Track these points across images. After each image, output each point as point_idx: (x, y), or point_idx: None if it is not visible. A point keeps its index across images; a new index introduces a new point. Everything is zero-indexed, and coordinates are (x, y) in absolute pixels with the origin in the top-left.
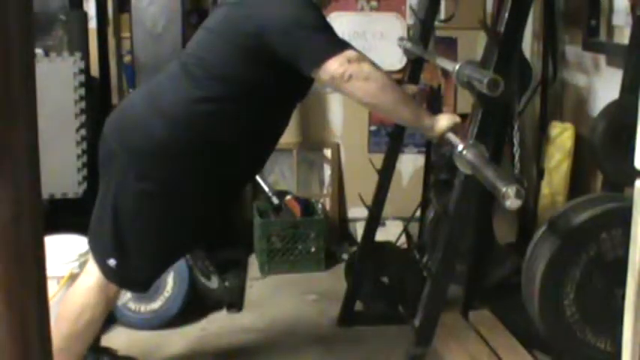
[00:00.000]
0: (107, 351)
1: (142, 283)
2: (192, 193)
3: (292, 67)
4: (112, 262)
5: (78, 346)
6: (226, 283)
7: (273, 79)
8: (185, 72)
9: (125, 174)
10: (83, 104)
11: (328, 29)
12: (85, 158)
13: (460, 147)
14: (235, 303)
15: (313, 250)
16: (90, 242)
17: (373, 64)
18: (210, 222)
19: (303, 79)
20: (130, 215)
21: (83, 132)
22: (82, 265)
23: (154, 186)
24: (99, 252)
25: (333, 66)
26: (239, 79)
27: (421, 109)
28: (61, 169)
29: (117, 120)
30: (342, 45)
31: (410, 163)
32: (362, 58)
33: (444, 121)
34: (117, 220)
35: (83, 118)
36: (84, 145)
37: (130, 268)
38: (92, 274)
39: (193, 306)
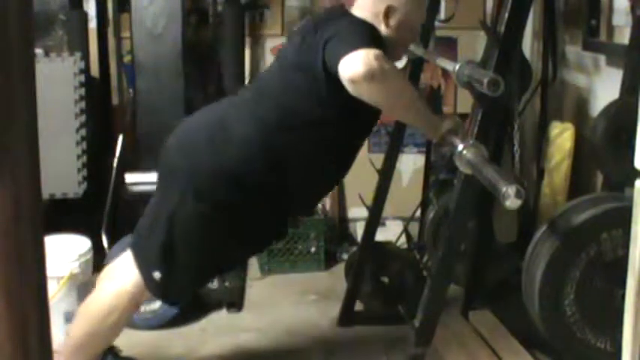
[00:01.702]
0: (112, 350)
1: (183, 298)
2: (251, 218)
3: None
4: (156, 274)
5: (97, 345)
6: (226, 283)
7: (342, 106)
8: (259, 101)
9: (186, 193)
10: (83, 104)
11: (364, 36)
12: (85, 158)
13: (460, 147)
14: (235, 303)
15: (313, 250)
16: (135, 249)
17: (392, 65)
18: (265, 243)
19: (369, 106)
20: (185, 233)
21: (83, 132)
22: (82, 265)
23: (213, 208)
24: (144, 261)
25: (356, 62)
26: (311, 109)
27: (429, 113)
28: (61, 169)
29: (184, 140)
30: (367, 44)
31: (410, 163)
32: (383, 57)
33: (445, 123)
34: (170, 235)
35: (83, 118)
36: (84, 145)
37: (174, 282)
38: (128, 279)
39: (193, 306)
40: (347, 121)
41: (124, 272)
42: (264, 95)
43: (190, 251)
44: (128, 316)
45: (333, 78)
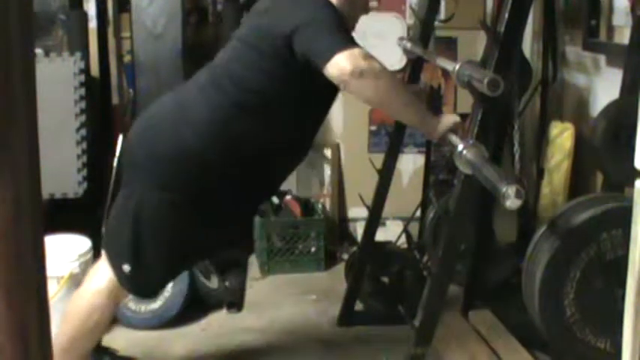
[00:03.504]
0: (108, 351)
1: (154, 290)
2: (217, 202)
3: (310, 67)
4: (126, 267)
5: (83, 346)
6: (226, 283)
7: (299, 87)
8: (215, 83)
9: (149, 183)
10: (83, 104)
11: (342, 29)
12: (85, 158)
13: (460, 147)
14: (235, 303)
15: (313, 250)
16: (105, 245)
17: (381, 64)
18: (233, 230)
19: (329, 85)
20: (152, 224)
21: (83, 132)
22: (82, 265)
23: (177, 195)
24: (114, 256)
25: (344, 61)
26: (268, 89)
27: (425, 110)
28: (61, 169)
29: (143, 129)
30: (352, 43)
31: (410, 163)
32: (371, 57)
33: (444, 122)
34: (137, 227)
35: (83, 118)
36: (84, 145)
37: (143, 275)
38: (103, 277)
39: (193, 306)
40: (302, 101)
41: (99, 271)
42: (219, 76)
43: (158, 242)
44: (110, 314)
45: (293, 59)
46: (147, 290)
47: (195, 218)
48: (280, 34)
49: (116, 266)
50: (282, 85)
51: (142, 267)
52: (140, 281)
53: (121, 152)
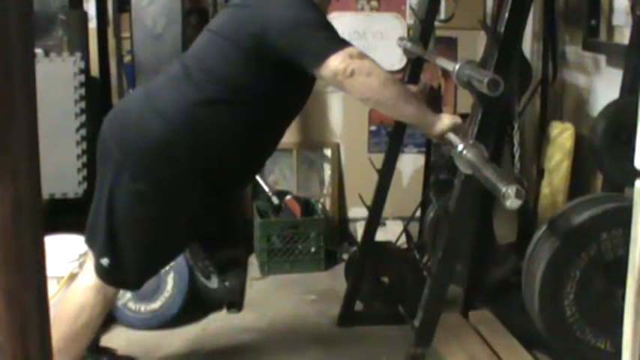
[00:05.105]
0: (106, 351)
1: (134, 283)
2: (188, 194)
3: (294, 67)
4: (105, 261)
5: (76, 346)
6: (226, 283)
7: (273, 82)
8: (186, 74)
9: (120, 174)
10: (83, 104)
11: (329, 28)
12: (85, 158)
13: (460, 147)
14: (235, 303)
15: (313, 250)
16: (86, 241)
17: (374, 61)
18: (206, 223)
19: (304, 83)
20: (124, 215)
21: (83, 132)
22: (82, 265)
23: (148, 186)
24: (94, 250)
25: (335, 62)
26: (240, 81)
27: (423, 107)
28: (61, 169)
29: (114, 119)
30: (343, 42)
31: (410, 163)
32: (363, 55)
33: (445, 120)
34: (111, 219)
35: (83, 118)
36: (84, 145)
37: (122, 267)
38: (90, 274)
39: (193, 306)
40: (277, 94)
41: (86, 269)
42: (191, 67)
43: (132, 233)
44: (101, 310)
45: (270, 54)
46: (127, 284)
47: (166, 209)
48: (259, 31)
49: (95, 260)
50: (256, 77)
51: (118, 260)
52: (119, 274)
53: (96, 145)
